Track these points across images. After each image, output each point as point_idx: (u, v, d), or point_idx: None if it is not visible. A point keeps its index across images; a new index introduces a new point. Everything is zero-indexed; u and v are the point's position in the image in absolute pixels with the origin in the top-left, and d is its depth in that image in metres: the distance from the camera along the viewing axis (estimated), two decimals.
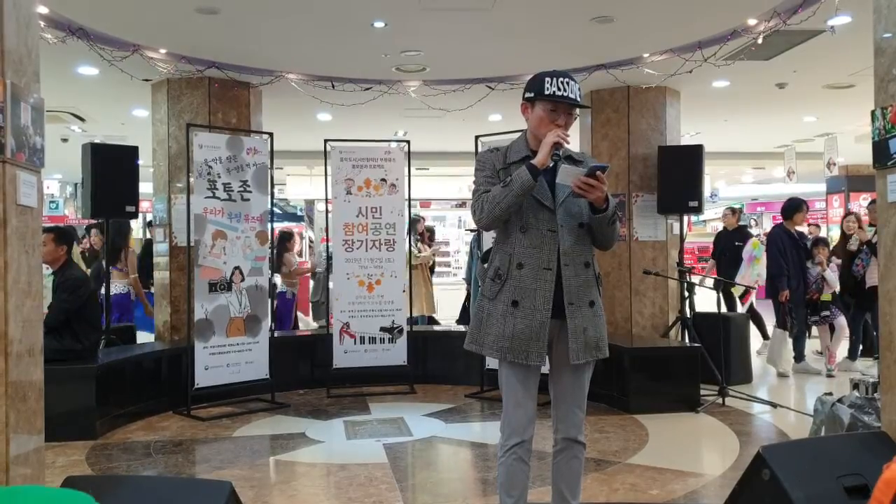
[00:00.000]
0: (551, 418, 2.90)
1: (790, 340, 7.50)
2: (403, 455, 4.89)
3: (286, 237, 9.24)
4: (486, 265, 2.89)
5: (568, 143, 2.71)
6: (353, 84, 7.30)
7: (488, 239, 6.57)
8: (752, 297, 9.24)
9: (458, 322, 9.25)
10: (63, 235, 5.61)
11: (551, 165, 2.71)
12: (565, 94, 2.71)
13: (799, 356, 7.58)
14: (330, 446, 5.14)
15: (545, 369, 2.83)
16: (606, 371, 5.69)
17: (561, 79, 2.71)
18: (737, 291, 8.95)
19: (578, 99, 2.74)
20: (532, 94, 2.78)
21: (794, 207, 7.61)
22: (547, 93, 2.71)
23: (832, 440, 3.14)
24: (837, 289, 7.52)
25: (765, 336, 8.78)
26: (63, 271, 5.46)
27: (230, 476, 4.27)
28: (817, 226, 12.05)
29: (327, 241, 7.33)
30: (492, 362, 6.33)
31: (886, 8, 2.95)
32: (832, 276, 7.41)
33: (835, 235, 12.69)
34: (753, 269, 8.39)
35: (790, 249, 7.38)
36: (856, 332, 7.80)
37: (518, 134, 2.99)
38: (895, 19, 2.92)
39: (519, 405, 2.76)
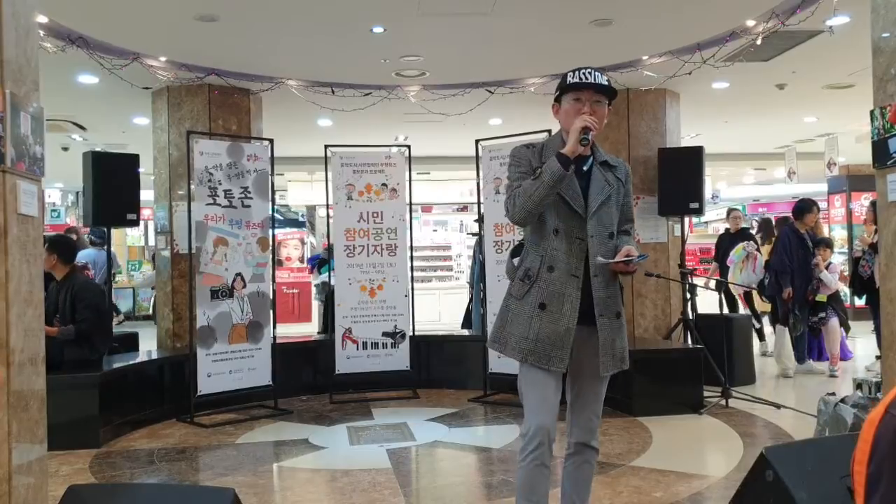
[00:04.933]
0: (566, 422, 2.87)
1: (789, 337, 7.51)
2: (407, 460, 4.88)
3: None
4: (514, 260, 2.83)
5: (597, 128, 2.64)
6: (352, 89, 7.31)
7: (490, 242, 6.57)
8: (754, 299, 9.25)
9: (463, 326, 9.25)
10: (54, 244, 5.60)
11: (585, 168, 2.70)
12: (588, 81, 2.68)
13: (801, 357, 7.57)
14: (333, 452, 5.13)
15: None
16: None
17: (583, 70, 2.70)
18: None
19: (603, 84, 2.70)
20: (558, 92, 2.79)
21: (805, 209, 7.63)
22: (569, 83, 2.71)
23: (836, 440, 3.13)
24: (833, 290, 7.53)
25: (760, 337, 8.78)
26: (74, 283, 5.47)
27: (233, 483, 4.26)
28: (818, 224, 12.03)
29: (329, 246, 7.33)
30: (495, 366, 6.33)
31: (884, 8, 2.95)
32: (829, 277, 7.42)
33: (836, 235, 12.69)
34: (737, 274, 8.44)
35: (797, 249, 7.38)
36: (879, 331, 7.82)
37: (533, 135, 3.01)
38: (893, 19, 2.92)
39: (543, 402, 2.68)
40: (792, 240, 7.44)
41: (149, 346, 8.18)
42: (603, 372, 2.70)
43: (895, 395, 1.07)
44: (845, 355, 8.09)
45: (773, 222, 10.52)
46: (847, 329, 7.93)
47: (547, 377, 2.69)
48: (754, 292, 8.72)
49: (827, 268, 7.45)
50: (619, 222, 2.80)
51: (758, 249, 8.68)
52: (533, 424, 2.68)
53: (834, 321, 7.49)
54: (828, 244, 7.93)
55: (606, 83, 2.71)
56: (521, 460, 2.72)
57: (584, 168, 2.73)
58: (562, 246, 2.67)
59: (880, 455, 1.03)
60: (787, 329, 7.44)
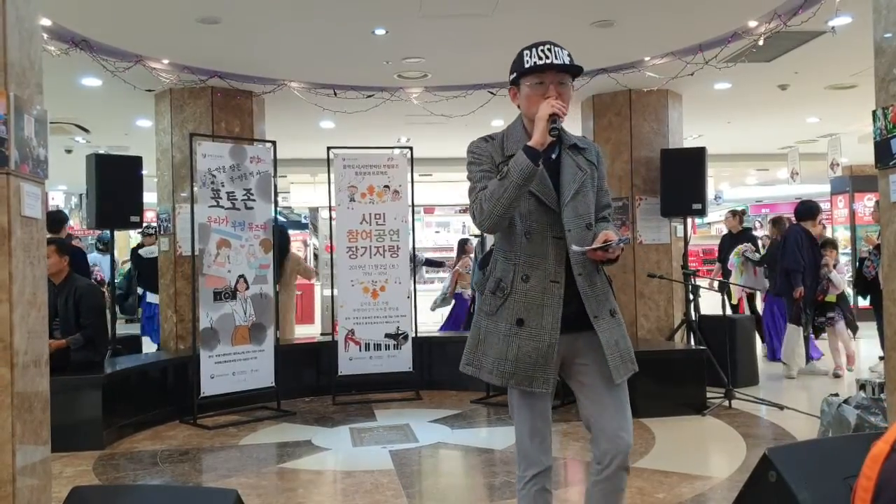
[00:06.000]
0: (591, 444, 2.49)
1: (802, 336, 7.50)
2: (409, 461, 4.88)
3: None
4: (483, 272, 2.55)
5: (565, 113, 2.31)
6: (355, 91, 7.32)
7: (491, 243, 6.57)
8: (757, 301, 9.26)
9: (464, 328, 9.25)
10: (64, 246, 5.64)
11: (554, 156, 2.38)
12: (549, 61, 2.34)
13: (806, 357, 7.57)
14: (336, 453, 5.14)
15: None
16: None
17: (541, 47, 2.36)
18: (733, 299, 9.00)
19: (566, 62, 2.36)
20: (515, 75, 2.43)
21: (813, 210, 7.64)
22: (528, 65, 2.36)
23: (839, 441, 3.13)
24: (841, 290, 7.54)
25: (763, 338, 8.81)
26: (76, 286, 5.48)
27: (236, 484, 4.26)
28: (822, 226, 12.05)
29: (331, 248, 7.34)
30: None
31: (886, 8, 2.95)
32: (838, 277, 7.43)
33: (840, 236, 12.67)
34: (737, 277, 8.49)
35: (807, 248, 7.39)
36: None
37: None
38: (895, 19, 2.92)
39: (535, 433, 2.44)
40: (803, 239, 7.44)
41: (151, 348, 8.21)
42: (617, 378, 2.38)
43: None
44: (812, 355, 8.12)
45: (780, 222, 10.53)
46: (855, 330, 7.92)
47: (534, 401, 2.43)
48: (757, 294, 8.74)
49: (834, 268, 7.46)
50: (595, 209, 2.50)
51: (756, 250, 8.71)
52: (529, 452, 2.46)
53: (840, 325, 7.51)
54: (834, 245, 7.94)
55: (569, 60, 2.38)
56: (520, 488, 2.48)
57: (553, 156, 2.40)
58: (537, 249, 2.38)
59: (885, 499, 1.01)
60: (800, 328, 7.44)
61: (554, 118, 2.27)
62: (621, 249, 2.38)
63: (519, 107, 2.50)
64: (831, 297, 7.48)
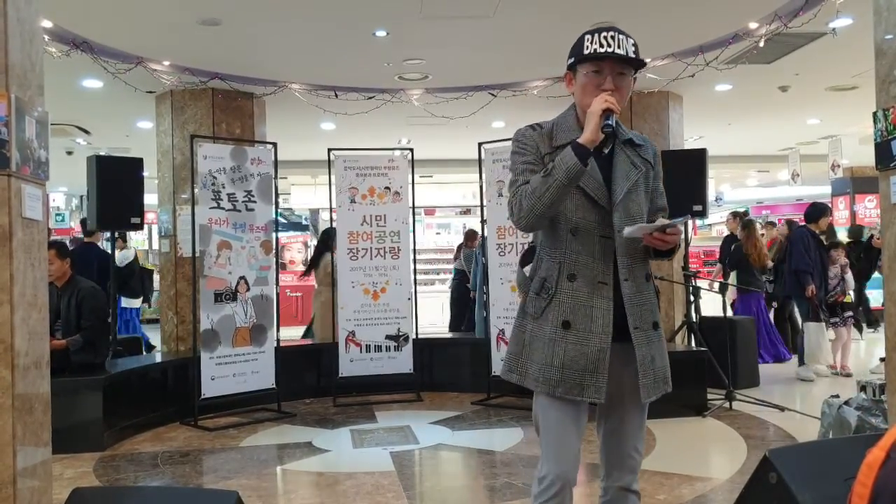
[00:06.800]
0: (600, 461, 2.38)
1: (826, 332, 7.49)
2: (410, 463, 4.88)
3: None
4: (526, 270, 2.37)
5: (619, 110, 2.13)
6: (356, 93, 7.33)
7: (492, 246, 6.57)
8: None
9: (464, 329, 9.25)
10: (64, 249, 5.64)
11: (606, 150, 2.21)
12: (610, 49, 2.14)
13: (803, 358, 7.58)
14: (337, 455, 5.13)
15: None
16: None
17: (604, 33, 2.17)
18: (729, 298, 9.01)
19: (629, 54, 2.16)
20: (572, 60, 2.24)
21: (821, 212, 7.68)
22: (587, 52, 2.18)
23: (839, 443, 3.13)
24: (851, 291, 7.59)
25: None
26: (79, 288, 5.48)
27: (237, 486, 4.26)
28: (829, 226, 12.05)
29: (332, 250, 7.33)
30: (498, 369, 6.32)
31: (886, 10, 2.95)
32: (849, 278, 7.47)
33: (840, 238, 12.68)
34: (735, 279, 8.54)
35: (814, 249, 7.41)
36: None
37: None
38: (895, 21, 2.92)
39: (564, 445, 2.22)
40: (810, 241, 7.46)
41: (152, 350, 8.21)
42: (644, 397, 2.23)
43: None
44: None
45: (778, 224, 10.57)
46: (861, 330, 7.94)
47: (574, 412, 2.22)
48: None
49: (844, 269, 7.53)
50: (648, 212, 2.31)
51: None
52: (552, 472, 2.20)
53: (842, 329, 7.55)
54: (842, 246, 7.99)
55: (633, 53, 2.18)
56: (538, 498, 2.27)
57: (605, 150, 2.23)
58: (583, 248, 2.19)
59: None
60: (821, 324, 7.42)
61: (608, 114, 2.10)
62: (681, 232, 2.17)
63: (573, 94, 2.32)
64: (849, 298, 7.53)
